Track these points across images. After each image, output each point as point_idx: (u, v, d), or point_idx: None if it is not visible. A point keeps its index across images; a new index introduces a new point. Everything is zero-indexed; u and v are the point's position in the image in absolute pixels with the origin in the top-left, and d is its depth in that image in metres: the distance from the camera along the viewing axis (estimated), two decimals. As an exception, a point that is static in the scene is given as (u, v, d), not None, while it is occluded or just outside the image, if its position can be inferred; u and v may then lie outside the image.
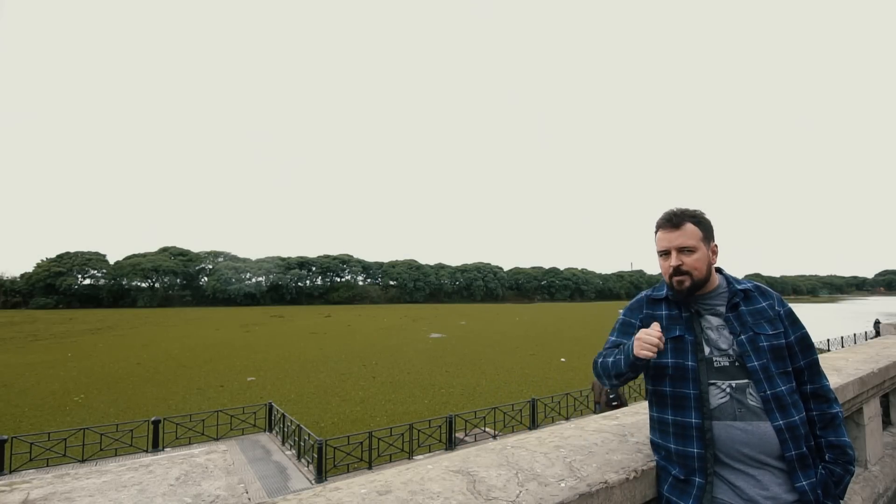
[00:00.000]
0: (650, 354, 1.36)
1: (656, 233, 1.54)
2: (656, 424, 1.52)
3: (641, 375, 1.61)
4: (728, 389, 1.38)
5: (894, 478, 3.02)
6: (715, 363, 1.42)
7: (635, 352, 1.39)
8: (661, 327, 1.51)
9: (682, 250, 1.46)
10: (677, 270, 1.45)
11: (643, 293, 1.66)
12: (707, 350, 1.44)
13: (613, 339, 1.63)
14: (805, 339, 1.47)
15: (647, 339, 1.37)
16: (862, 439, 2.89)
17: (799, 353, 1.45)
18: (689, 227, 1.46)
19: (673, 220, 1.48)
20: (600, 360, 1.58)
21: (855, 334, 27.72)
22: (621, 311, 1.70)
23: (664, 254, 1.50)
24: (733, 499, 1.33)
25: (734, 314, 1.46)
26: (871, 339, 25.80)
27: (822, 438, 1.41)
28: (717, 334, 1.45)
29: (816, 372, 1.46)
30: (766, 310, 1.47)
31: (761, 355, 1.39)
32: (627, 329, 1.61)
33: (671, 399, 1.46)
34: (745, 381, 1.38)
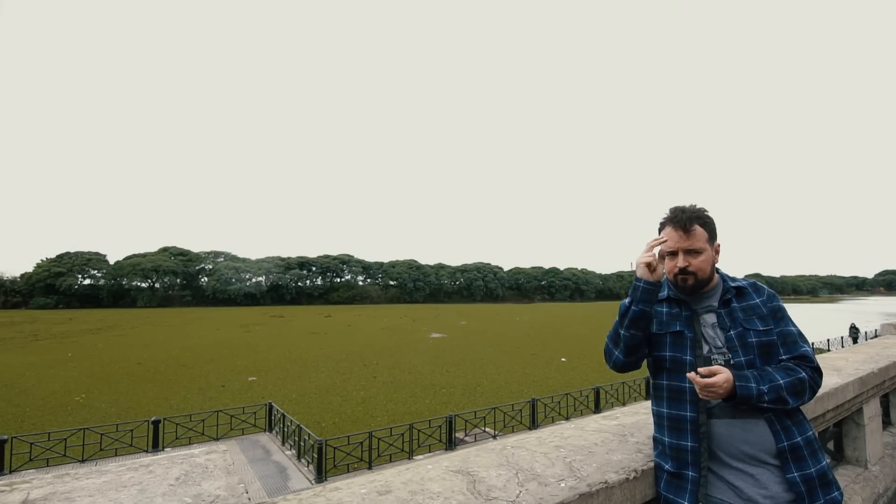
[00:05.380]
0: (649, 260, 1.46)
1: (661, 230, 1.55)
2: (655, 418, 1.56)
3: (646, 372, 1.62)
4: None
5: (894, 478, 3.01)
6: (713, 361, 1.44)
7: (637, 272, 1.48)
8: (661, 322, 1.54)
9: (689, 252, 1.47)
10: (683, 270, 1.48)
11: None
12: (706, 348, 1.46)
13: None
14: (788, 336, 1.44)
15: (644, 254, 1.47)
16: (862, 439, 2.89)
17: (783, 348, 1.43)
18: (698, 229, 1.47)
19: (683, 223, 1.47)
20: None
21: (860, 333, 27.69)
22: None
23: (671, 254, 1.51)
24: (733, 499, 1.34)
25: (725, 310, 1.49)
26: (852, 343, 25.70)
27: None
28: (713, 332, 1.48)
29: (807, 359, 1.42)
30: (758, 306, 1.49)
31: (748, 351, 1.41)
32: None
33: (668, 392, 1.49)
34: None
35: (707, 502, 1.37)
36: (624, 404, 14.63)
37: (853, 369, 2.96)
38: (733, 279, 1.57)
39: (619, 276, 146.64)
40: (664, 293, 1.61)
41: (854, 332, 27.40)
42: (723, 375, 1.28)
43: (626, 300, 1.51)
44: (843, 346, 25.04)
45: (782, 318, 1.48)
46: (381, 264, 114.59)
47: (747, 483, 1.33)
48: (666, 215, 1.54)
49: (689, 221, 1.47)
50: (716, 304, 1.51)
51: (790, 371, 1.36)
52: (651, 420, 1.63)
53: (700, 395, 1.31)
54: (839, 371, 2.89)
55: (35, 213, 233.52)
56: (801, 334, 1.47)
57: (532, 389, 17.22)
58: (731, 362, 1.41)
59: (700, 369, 1.31)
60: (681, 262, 1.48)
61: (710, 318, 1.50)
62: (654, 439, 1.55)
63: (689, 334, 1.48)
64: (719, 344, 1.45)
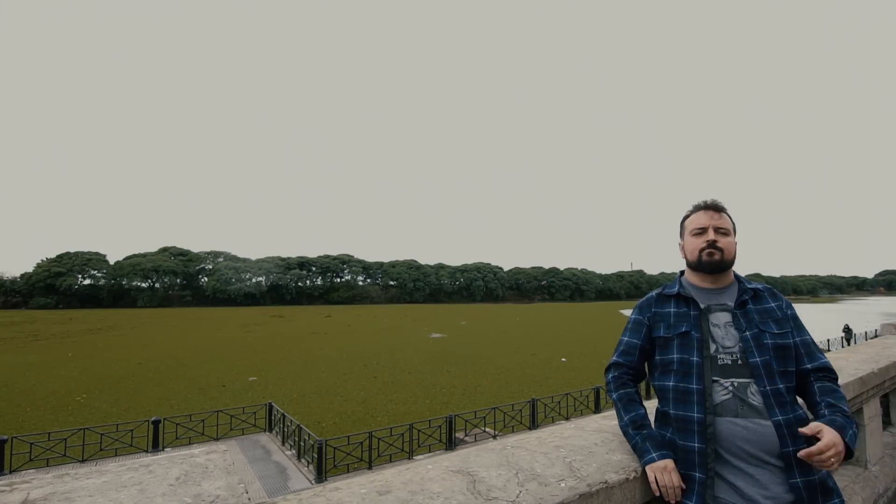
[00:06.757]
0: (665, 487, 1.35)
1: (689, 216, 1.63)
2: (659, 418, 1.56)
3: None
4: (731, 387, 1.40)
5: (894, 478, 3.01)
6: (719, 360, 1.44)
7: (657, 476, 1.36)
8: (668, 325, 1.54)
9: (718, 230, 1.54)
10: (712, 244, 1.52)
11: (654, 291, 1.69)
12: (713, 348, 1.46)
13: (626, 339, 1.66)
14: (810, 345, 1.50)
15: (668, 483, 1.35)
16: (862, 439, 2.89)
17: (805, 357, 1.48)
18: (726, 215, 1.59)
19: (714, 205, 1.58)
20: (615, 395, 1.62)
21: (855, 334, 27.69)
22: (633, 312, 1.71)
23: (700, 232, 1.57)
24: (734, 498, 1.33)
25: (741, 311, 1.50)
26: (844, 344, 25.54)
27: (823, 400, 1.41)
28: (723, 331, 1.48)
29: (830, 371, 1.47)
30: (774, 310, 1.51)
31: (764, 352, 1.42)
32: (638, 328, 1.64)
33: (674, 394, 1.48)
34: (748, 379, 1.40)
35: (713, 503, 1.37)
36: (624, 404, 14.60)
37: (853, 369, 2.96)
38: (749, 282, 1.59)
39: (619, 276, 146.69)
40: (674, 289, 1.61)
41: (848, 333, 27.19)
42: (831, 437, 1.25)
43: (630, 432, 1.50)
44: (842, 346, 25.04)
45: (800, 326, 1.52)
46: (381, 264, 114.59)
47: (748, 483, 1.33)
48: (691, 207, 1.62)
49: (720, 206, 1.58)
50: (731, 303, 1.52)
51: (839, 394, 1.42)
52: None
53: (817, 467, 1.28)
54: (839, 371, 2.89)
55: (35, 213, 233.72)
56: (814, 343, 1.53)
57: (532, 389, 17.23)
58: (739, 362, 1.42)
59: (804, 430, 1.29)
60: (711, 235, 1.53)
61: (724, 317, 1.50)
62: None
63: (696, 335, 1.48)
64: (728, 343, 1.45)
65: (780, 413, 1.35)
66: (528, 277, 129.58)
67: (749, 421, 1.36)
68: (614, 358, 1.68)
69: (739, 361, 1.42)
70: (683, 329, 1.50)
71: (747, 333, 1.45)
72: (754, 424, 1.35)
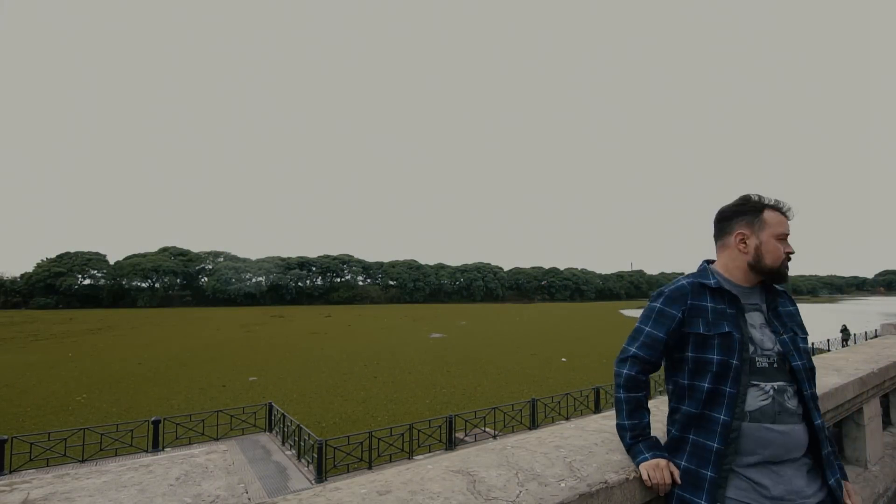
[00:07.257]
0: (657, 483, 1.36)
1: (769, 211, 1.46)
2: (680, 418, 1.45)
3: (660, 370, 1.57)
4: (771, 391, 1.36)
5: (894, 478, 3.01)
6: (757, 363, 1.39)
7: (650, 473, 1.37)
8: (707, 322, 1.42)
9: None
10: (789, 257, 1.47)
11: (684, 280, 1.51)
12: (751, 349, 1.40)
13: (648, 329, 1.48)
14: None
15: (660, 480, 1.36)
16: (862, 439, 2.89)
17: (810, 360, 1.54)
18: None
19: (790, 212, 1.48)
20: (623, 395, 1.48)
21: (854, 334, 27.67)
22: (658, 301, 1.50)
23: (784, 239, 1.46)
24: (758, 499, 1.31)
25: (774, 314, 1.47)
26: (842, 345, 25.45)
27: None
28: (761, 333, 1.43)
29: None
30: (795, 314, 1.52)
31: (802, 355, 1.42)
32: (665, 321, 1.46)
33: (706, 395, 1.39)
34: (785, 382, 1.38)
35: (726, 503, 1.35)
36: (624, 404, 14.55)
37: (853, 369, 2.95)
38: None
39: (619, 276, 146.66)
40: (713, 280, 1.47)
41: (845, 333, 27.08)
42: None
43: (626, 439, 1.48)
44: (841, 347, 25.03)
45: None
46: (381, 264, 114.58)
47: (774, 481, 1.32)
48: (772, 202, 1.47)
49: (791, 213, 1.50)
50: (763, 304, 1.48)
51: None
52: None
53: None
54: (839, 371, 2.89)
55: (35, 213, 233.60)
56: None
57: (532, 389, 17.22)
58: (775, 365, 1.39)
59: None
60: (791, 247, 1.46)
61: (758, 318, 1.45)
62: (675, 438, 1.47)
63: (738, 335, 1.39)
64: (768, 345, 1.41)
65: (817, 416, 1.38)
66: (528, 277, 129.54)
67: (786, 426, 1.34)
68: (633, 350, 1.48)
69: (776, 365, 1.39)
70: (725, 329, 1.39)
71: (785, 336, 1.42)
72: (790, 429, 1.34)
